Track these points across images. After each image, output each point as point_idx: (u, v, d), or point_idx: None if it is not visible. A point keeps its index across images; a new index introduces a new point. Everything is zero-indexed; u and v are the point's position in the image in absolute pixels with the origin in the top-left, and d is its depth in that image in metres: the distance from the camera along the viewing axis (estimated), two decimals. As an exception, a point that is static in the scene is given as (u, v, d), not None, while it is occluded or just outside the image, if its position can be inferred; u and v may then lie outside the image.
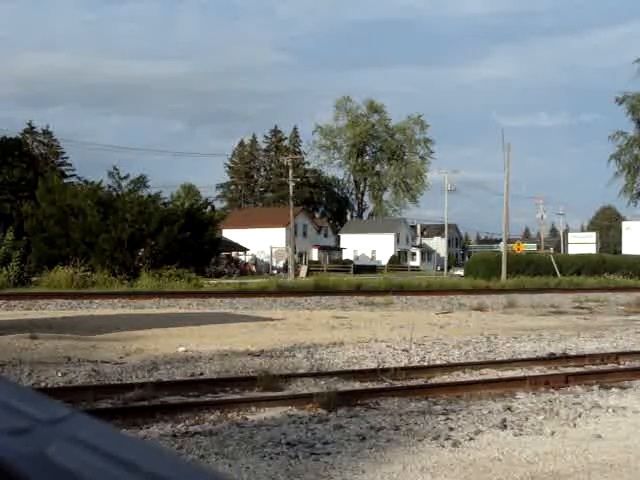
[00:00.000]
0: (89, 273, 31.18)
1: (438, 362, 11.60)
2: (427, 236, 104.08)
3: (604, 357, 12.14)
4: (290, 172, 59.69)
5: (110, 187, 38.61)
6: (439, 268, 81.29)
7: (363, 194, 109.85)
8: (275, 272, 65.60)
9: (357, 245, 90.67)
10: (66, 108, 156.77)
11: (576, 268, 50.88)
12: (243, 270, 64.19)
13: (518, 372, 10.60)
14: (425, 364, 11.31)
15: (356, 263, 77.93)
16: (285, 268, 65.07)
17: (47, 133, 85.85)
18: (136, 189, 39.04)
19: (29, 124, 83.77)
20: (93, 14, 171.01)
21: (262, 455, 6.00)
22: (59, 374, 9.65)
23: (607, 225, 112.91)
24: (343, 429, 6.95)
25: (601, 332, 16.27)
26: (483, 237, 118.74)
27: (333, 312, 21.05)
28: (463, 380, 9.89)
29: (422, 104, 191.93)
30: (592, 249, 72.24)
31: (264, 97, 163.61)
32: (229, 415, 7.56)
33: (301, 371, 10.34)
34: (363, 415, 7.63)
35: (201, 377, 9.81)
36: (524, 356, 12.27)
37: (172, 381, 9.35)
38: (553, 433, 6.97)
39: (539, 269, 48.35)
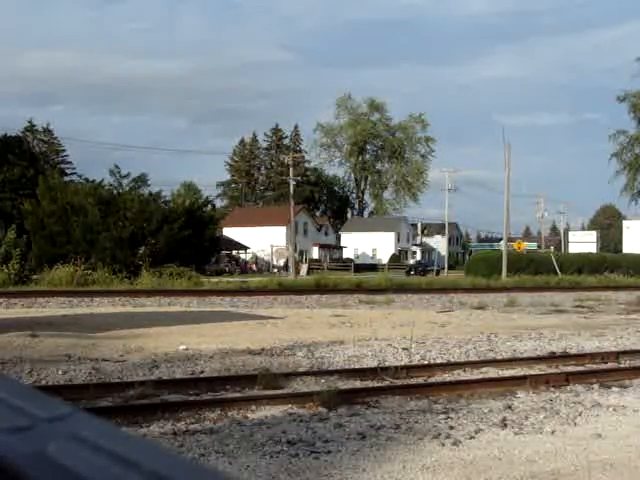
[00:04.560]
0: (90, 271, 31.18)
1: (438, 361, 11.60)
2: (428, 235, 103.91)
3: (604, 356, 12.14)
4: (291, 170, 59.64)
5: (111, 185, 38.63)
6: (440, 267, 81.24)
7: (364, 192, 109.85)
8: (276, 270, 65.61)
9: (358, 244, 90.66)
10: (67, 106, 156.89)
11: (577, 267, 50.88)
12: (244, 268, 64.21)
13: (518, 371, 10.59)
14: (425, 363, 11.31)
15: (357, 262, 77.87)
16: (286, 266, 65.06)
17: (48, 131, 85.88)
18: (137, 187, 39.06)
19: (30, 122, 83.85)
20: (95, 12, 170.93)
21: (262, 453, 6.00)
22: (60, 372, 9.66)
23: (608, 224, 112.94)
24: (343, 428, 6.95)
25: (602, 331, 16.27)
26: (484, 236, 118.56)
27: (333, 310, 21.05)
28: (463, 379, 9.89)
29: (423, 103, 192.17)
30: (593, 248, 72.28)
31: (265, 95, 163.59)
32: (229, 413, 7.56)
33: (301, 369, 10.34)
34: (363, 414, 7.63)
35: (201, 375, 9.81)
36: (525, 355, 12.27)
37: (172, 379, 9.36)
38: (553, 432, 6.96)
39: (540, 268, 48.32)
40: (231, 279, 41.74)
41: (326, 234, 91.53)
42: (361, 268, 69.10)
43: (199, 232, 38.13)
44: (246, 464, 5.71)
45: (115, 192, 38.06)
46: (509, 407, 8.07)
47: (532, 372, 10.40)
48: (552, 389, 9.23)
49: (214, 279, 37.97)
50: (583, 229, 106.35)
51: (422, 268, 68.94)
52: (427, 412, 7.72)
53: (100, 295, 24.38)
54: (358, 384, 9.40)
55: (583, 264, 52.07)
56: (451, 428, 6.99)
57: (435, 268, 71.29)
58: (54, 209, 35.88)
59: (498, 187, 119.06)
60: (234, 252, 69.10)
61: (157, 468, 0.69)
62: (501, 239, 58.75)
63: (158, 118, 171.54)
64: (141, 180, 39.55)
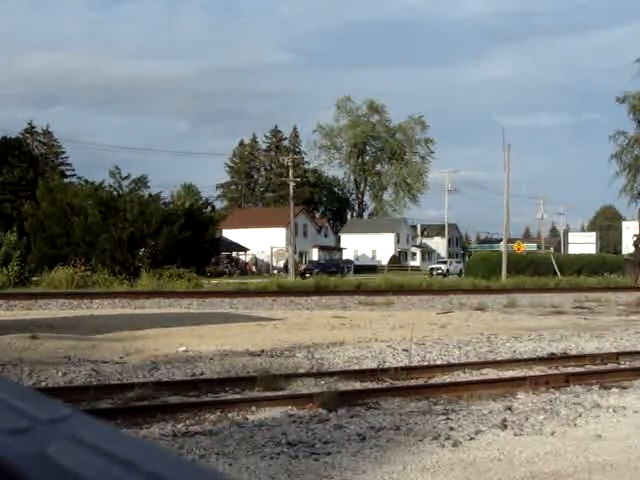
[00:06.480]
0: (89, 273, 31.20)
1: (438, 362, 11.59)
2: (427, 236, 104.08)
3: (604, 357, 12.13)
4: (290, 172, 59.65)
5: (111, 187, 38.64)
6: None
7: (363, 194, 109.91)
8: (275, 272, 65.61)
9: (357, 245, 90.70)
10: (67, 108, 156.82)
11: (576, 268, 50.94)
12: (243, 270, 64.21)
13: (518, 372, 10.59)
14: (425, 364, 11.31)
15: (356, 263, 77.90)
16: (285, 268, 65.06)
17: (47, 133, 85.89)
18: (137, 189, 39.08)
19: (29, 124, 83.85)
20: (95, 14, 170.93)
21: (262, 455, 6.00)
22: (59, 374, 9.65)
23: (607, 225, 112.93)
24: (343, 429, 6.94)
25: (601, 332, 16.26)
26: (483, 237, 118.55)
27: (333, 312, 21.04)
28: (463, 380, 9.88)
29: (423, 104, 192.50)
30: (592, 249, 72.46)
31: (265, 97, 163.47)
32: (229, 415, 7.56)
33: (301, 371, 10.34)
34: (363, 415, 7.63)
35: (201, 377, 9.80)
36: (524, 356, 12.26)
37: (172, 381, 9.35)
38: (553, 433, 6.96)
39: (539, 269, 48.37)
40: (231, 280, 41.75)
41: (326, 235, 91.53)
42: (361, 269, 69.06)
43: (199, 234, 38.15)
44: (246, 465, 5.71)
45: (115, 194, 38.08)
46: (509, 408, 8.06)
47: (532, 373, 10.40)
48: (552, 390, 9.22)
49: (214, 280, 38.00)
50: (583, 230, 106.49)
51: (319, 270, 57.58)
52: (427, 413, 7.72)
53: (100, 297, 24.37)
54: (358, 385, 9.40)
55: (583, 265, 52.14)
56: (451, 429, 6.98)
57: (346, 268, 63.81)
58: (54, 211, 35.89)
59: (498, 188, 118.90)
60: (234, 253, 69.10)
61: (157, 469, 0.69)
62: (501, 240, 58.81)
63: (158, 119, 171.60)
64: (141, 182, 39.57)
